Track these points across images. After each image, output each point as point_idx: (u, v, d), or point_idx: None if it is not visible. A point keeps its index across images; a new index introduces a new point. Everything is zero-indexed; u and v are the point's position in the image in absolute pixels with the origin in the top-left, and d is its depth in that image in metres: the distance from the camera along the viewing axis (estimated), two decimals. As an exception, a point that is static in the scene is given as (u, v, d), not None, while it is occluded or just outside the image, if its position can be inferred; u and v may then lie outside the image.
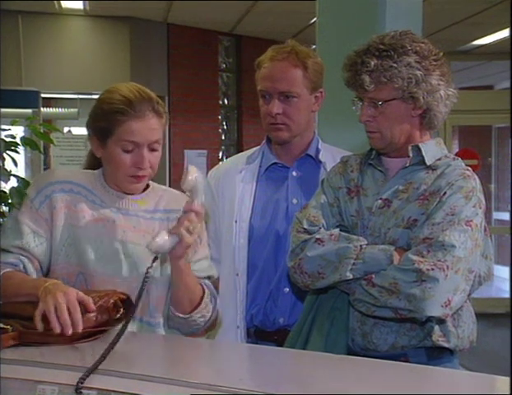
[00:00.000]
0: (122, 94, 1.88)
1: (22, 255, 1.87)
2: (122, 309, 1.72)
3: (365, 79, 1.90)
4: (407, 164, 1.96)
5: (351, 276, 1.88)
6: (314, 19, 3.39)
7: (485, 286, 2.03)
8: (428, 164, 1.94)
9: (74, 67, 8.13)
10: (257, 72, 2.30)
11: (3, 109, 5.56)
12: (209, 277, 2.01)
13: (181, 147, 8.93)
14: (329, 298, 1.98)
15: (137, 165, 1.88)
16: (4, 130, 2.30)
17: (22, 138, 2.23)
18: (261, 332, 2.27)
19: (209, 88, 9.39)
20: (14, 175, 2.08)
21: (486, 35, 8.97)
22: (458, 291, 1.82)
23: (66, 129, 8.15)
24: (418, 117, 1.95)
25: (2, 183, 2.20)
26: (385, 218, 1.93)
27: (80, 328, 1.61)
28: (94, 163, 2.01)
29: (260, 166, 2.36)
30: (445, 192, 1.88)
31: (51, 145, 6.55)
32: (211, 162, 8.91)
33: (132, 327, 1.78)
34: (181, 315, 1.91)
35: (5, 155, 2.16)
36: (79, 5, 7.88)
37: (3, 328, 1.61)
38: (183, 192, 1.95)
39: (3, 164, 2.12)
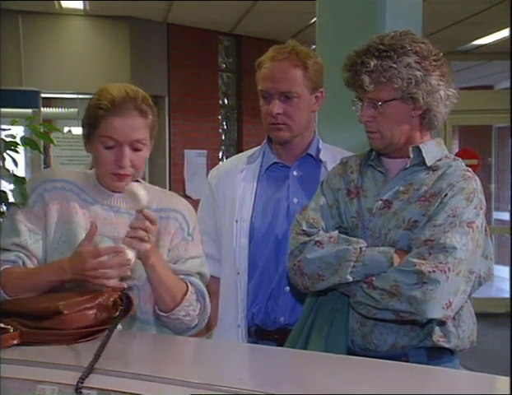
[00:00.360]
0: (109, 92, 1.91)
1: (21, 252, 1.89)
2: (121, 307, 1.73)
3: (364, 79, 1.90)
4: (408, 166, 1.96)
5: (351, 279, 1.87)
6: (314, 19, 3.39)
7: (485, 286, 2.03)
8: (429, 165, 1.94)
9: (74, 67, 8.12)
10: (257, 72, 2.31)
11: (3, 109, 5.56)
12: (200, 274, 2.01)
13: (181, 147, 8.92)
14: (329, 300, 1.98)
15: (117, 163, 1.90)
16: (4, 130, 2.30)
17: (22, 138, 2.23)
18: (262, 331, 2.28)
19: (209, 88, 9.38)
20: (15, 176, 2.07)
21: (486, 35, 8.96)
22: (458, 293, 1.82)
23: (66, 129, 8.15)
24: (418, 117, 1.94)
25: (1, 183, 2.20)
26: (386, 219, 1.93)
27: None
28: None
29: (261, 166, 2.37)
30: (446, 194, 1.87)
31: (51, 145, 6.56)
32: (211, 162, 8.92)
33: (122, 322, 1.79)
34: (162, 313, 1.91)
35: (5, 155, 2.16)
36: (79, 5, 7.87)
37: (4, 328, 1.61)
38: (184, 196, 1.96)
39: (3, 165, 2.12)
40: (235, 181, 2.36)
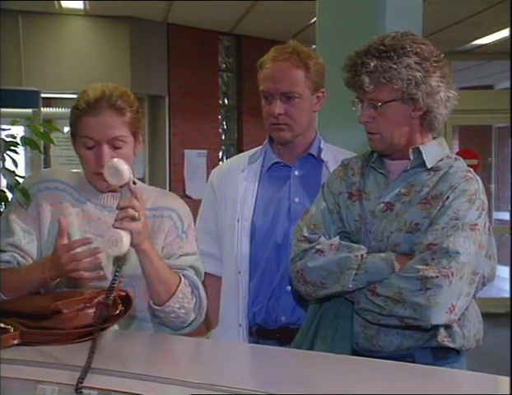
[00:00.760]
0: (87, 92, 1.94)
1: (15, 253, 1.90)
2: (120, 306, 1.73)
3: (364, 80, 1.89)
4: (408, 168, 1.94)
5: (353, 287, 1.87)
6: (314, 19, 3.39)
7: (486, 286, 2.02)
8: (429, 167, 1.93)
9: (74, 67, 8.11)
10: (259, 72, 2.31)
11: (3, 109, 5.55)
12: (193, 268, 2.01)
13: (181, 147, 8.92)
14: (333, 306, 1.97)
15: (98, 162, 1.91)
16: (4, 130, 2.30)
17: (22, 138, 2.23)
18: (263, 331, 2.28)
19: (209, 88, 9.38)
20: (16, 175, 2.08)
21: (486, 35, 8.95)
22: (462, 296, 1.82)
23: (66, 129, 8.12)
24: (418, 118, 1.93)
25: (1, 182, 2.20)
26: (388, 222, 1.92)
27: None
28: None
29: (262, 165, 2.37)
30: (448, 196, 1.86)
31: (51, 145, 6.55)
32: (211, 162, 8.91)
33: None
34: (157, 307, 1.91)
35: (5, 155, 2.16)
36: (79, 5, 7.87)
37: (5, 328, 1.61)
38: (184, 196, 1.97)
39: (4, 165, 2.12)
40: (237, 180, 2.36)
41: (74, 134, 1.96)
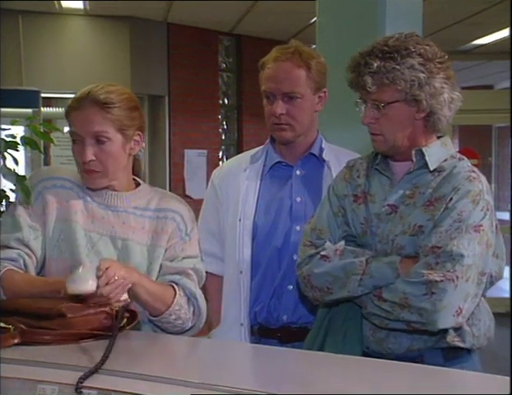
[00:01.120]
0: (80, 90, 1.96)
1: (22, 250, 1.90)
2: (126, 317, 1.73)
3: (367, 80, 1.88)
4: (411, 170, 1.93)
5: (359, 292, 1.87)
6: (314, 19, 3.39)
7: (493, 285, 2.00)
8: (432, 169, 1.90)
9: (74, 67, 8.11)
10: (261, 72, 2.31)
11: (3, 109, 5.56)
12: (195, 270, 2.01)
13: (181, 147, 8.92)
14: (341, 310, 1.96)
15: (81, 157, 1.93)
16: (4, 130, 2.30)
17: (22, 138, 2.23)
18: (264, 330, 2.29)
19: (209, 88, 9.37)
20: (17, 174, 2.08)
21: (486, 35, 8.96)
22: (468, 298, 1.81)
23: (66, 129, 8.12)
24: (422, 120, 1.91)
25: (2, 182, 2.20)
26: (393, 224, 1.91)
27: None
28: None
29: (264, 165, 2.37)
30: (452, 198, 1.84)
31: (51, 144, 6.55)
32: (211, 162, 8.92)
33: None
34: (153, 318, 1.92)
35: (6, 154, 2.16)
36: (79, 5, 7.87)
37: (5, 328, 1.61)
38: (184, 196, 1.97)
39: (4, 164, 2.12)
40: (239, 180, 2.36)
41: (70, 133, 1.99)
